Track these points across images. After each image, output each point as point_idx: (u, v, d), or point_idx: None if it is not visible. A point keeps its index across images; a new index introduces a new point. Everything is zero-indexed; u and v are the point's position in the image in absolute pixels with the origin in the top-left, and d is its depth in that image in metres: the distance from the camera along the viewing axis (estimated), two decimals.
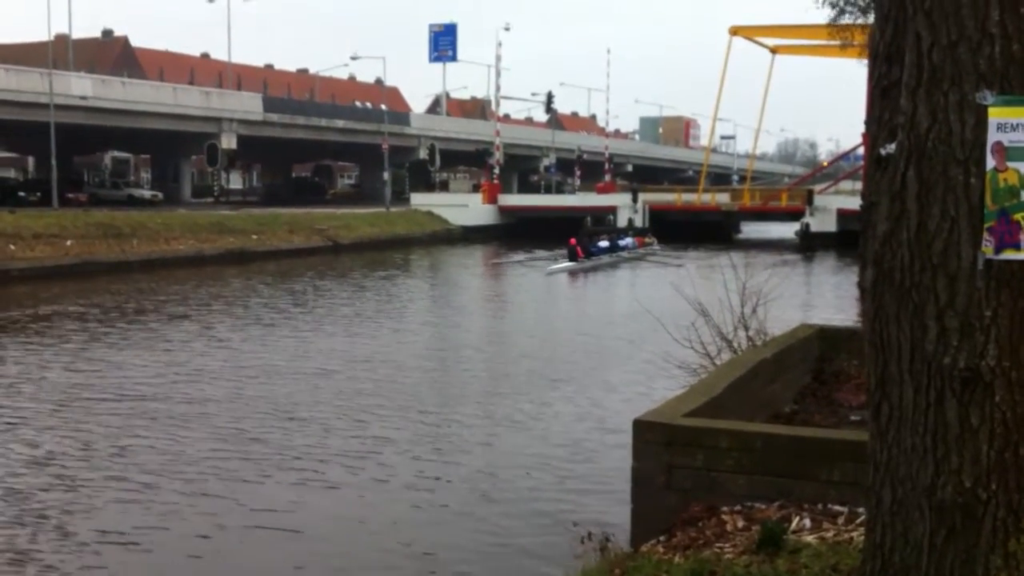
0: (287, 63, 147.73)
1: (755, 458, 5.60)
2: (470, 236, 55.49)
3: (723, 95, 60.83)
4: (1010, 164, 3.03)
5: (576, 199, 66.80)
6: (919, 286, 3.12)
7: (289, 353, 19.11)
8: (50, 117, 43.89)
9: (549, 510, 9.75)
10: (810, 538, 4.88)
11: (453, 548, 8.94)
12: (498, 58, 68.70)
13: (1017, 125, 3.00)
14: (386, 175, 63.09)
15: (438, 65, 79.12)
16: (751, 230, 64.90)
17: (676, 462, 5.77)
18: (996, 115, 3.00)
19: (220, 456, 11.72)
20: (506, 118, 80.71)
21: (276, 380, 16.33)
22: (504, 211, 60.92)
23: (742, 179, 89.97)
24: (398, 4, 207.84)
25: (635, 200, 58.14)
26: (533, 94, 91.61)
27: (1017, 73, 2.99)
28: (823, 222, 52.28)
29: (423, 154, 70.91)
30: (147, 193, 61.31)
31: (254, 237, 43.00)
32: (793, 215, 54.95)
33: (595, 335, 21.78)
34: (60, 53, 57.51)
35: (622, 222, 55.20)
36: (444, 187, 71.57)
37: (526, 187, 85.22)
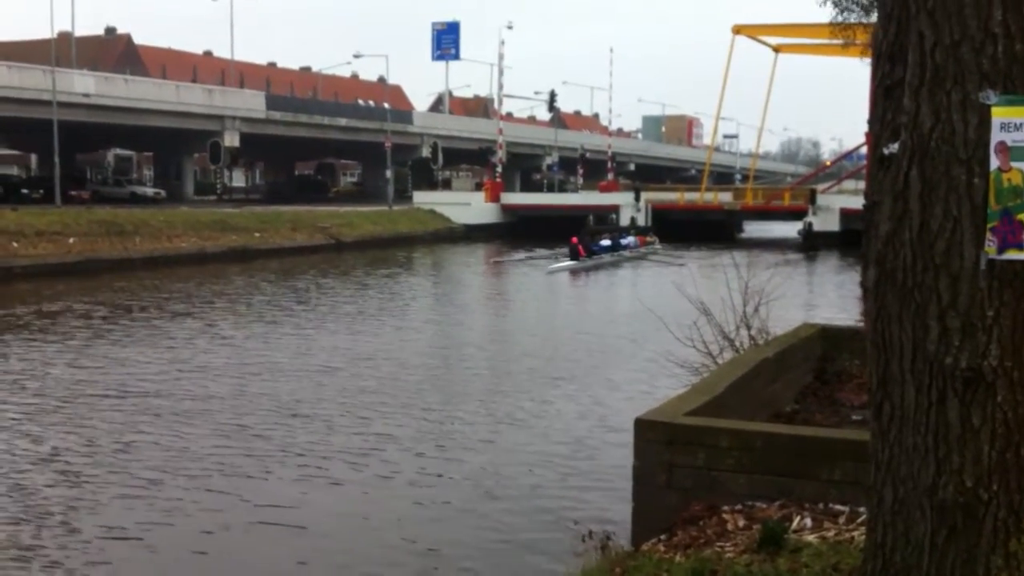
0: (290, 61, 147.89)
1: (756, 457, 5.61)
2: (472, 234, 55.45)
3: (726, 94, 60.70)
4: (1014, 164, 3.02)
5: (579, 198, 66.81)
6: (921, 286, 3.12)
7: (292, 350, 19.14)
8: (53, 114, 43.86)
9: (551, 507, 9.77)
10: (811, 537, 4.88)
11: (455, 544, 8.97)
12: (501, 56, 68.77)
13: (1021, 125, 2.99)
14: (389, 173, 63.07)
15: (441, 63, 79.11)
16: (754, 229, 64.80)
17: (677, 461, 5.77)
18: (999, 115, 2.99)
19: (224, 453, 11.75)
20: (509, 117, 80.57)
21: (279, 377, 16.36)
22: (506, 209, 60.89)
23: (745, 178, 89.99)
24: (401, 2, 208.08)
25: (638, 199, 58.10)
26: (536, 93, 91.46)
27: (1020, 73, 2.99)
28: (826, 221, 52.23)
29: (426, 152, 70.95)
30: (150, 191, 61.30)
31: (257, 235, 43.01)
32: (796, 214, 54.88)
33: (597, 334, 21.77)
34: (63, 50, 57.54)
35: (624, 221, 55.10)
36: (447, 185, 71.48)
37: (529, 186, 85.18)
